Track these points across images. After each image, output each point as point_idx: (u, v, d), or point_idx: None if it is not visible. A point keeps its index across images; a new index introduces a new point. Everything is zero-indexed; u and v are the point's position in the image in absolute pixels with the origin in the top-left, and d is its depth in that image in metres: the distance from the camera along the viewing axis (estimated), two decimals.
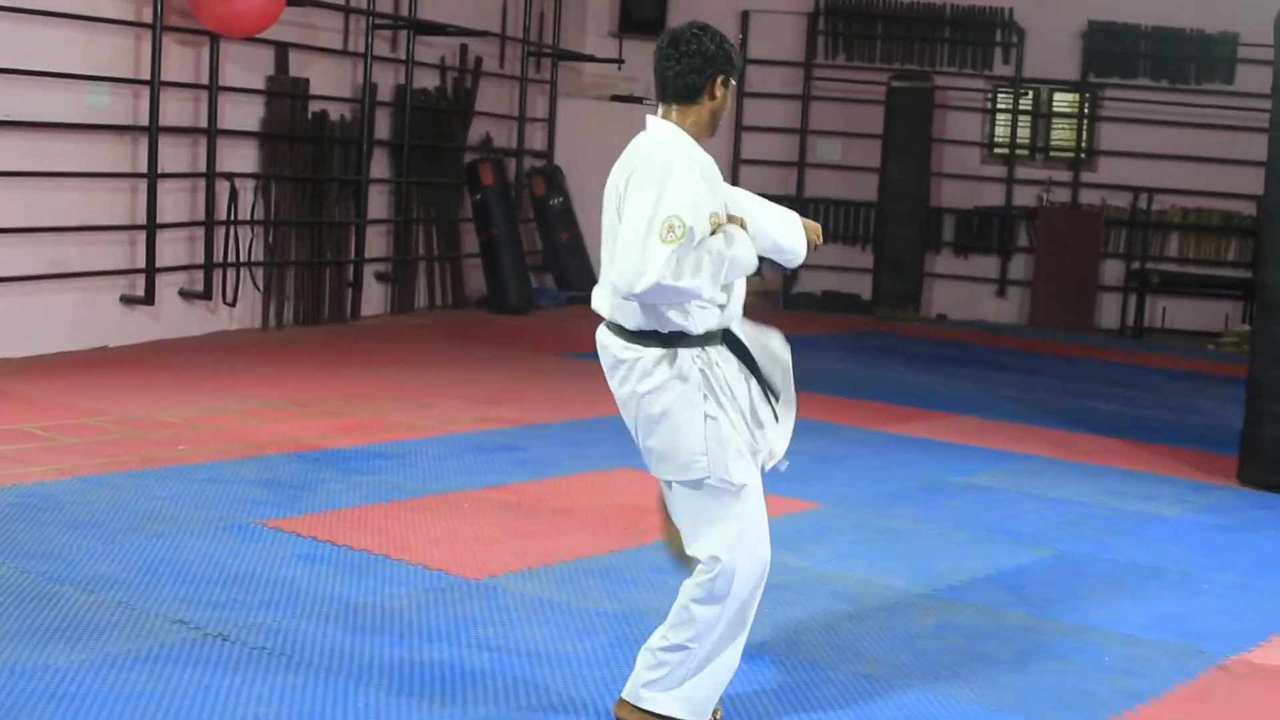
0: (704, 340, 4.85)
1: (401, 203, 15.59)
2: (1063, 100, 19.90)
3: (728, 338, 4.95)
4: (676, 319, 4.78)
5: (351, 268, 14.90)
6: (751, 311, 5.07)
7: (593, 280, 18.05)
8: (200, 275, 12.95)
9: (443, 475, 8.47)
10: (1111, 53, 19.37)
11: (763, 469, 5.01)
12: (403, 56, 15.48)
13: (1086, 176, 19.57)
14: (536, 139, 18.35)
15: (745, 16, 19.54)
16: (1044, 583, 7.18)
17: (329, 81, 14.58)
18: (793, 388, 5.13)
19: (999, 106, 19.81)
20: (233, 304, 13.30)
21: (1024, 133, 19.82)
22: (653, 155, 4.76)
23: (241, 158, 13.49)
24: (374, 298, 15.48)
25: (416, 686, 5.23)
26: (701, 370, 4.83)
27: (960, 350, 16.37)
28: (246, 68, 13.49)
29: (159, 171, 12.14)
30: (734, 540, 4.80)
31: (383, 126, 15.43)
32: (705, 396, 4.81)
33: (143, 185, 12.18)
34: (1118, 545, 8.01)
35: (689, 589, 4.86)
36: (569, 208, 17.77)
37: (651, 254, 4.55)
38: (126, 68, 12.11)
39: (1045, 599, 6.89)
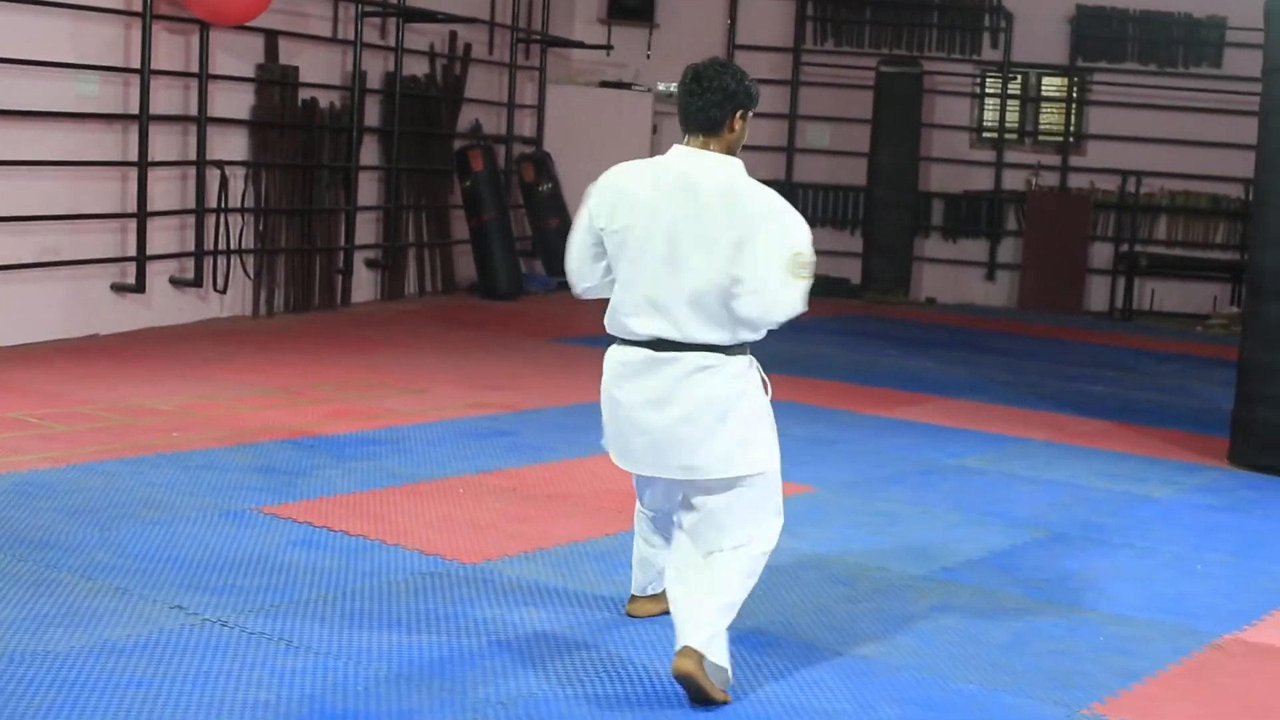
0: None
1: (391, 189, 15.59)
2: (1051, 84, 19.95)
3: None
4: (752, 335, 5.26)
5: (342, 255, 14.91)
6: None
7: None
8: (191, 263, 12.95)
9: (437, 460, 8.49)
10: (1099, 37, 19.41)
11: None
12: (392, 43, 15.48)
13: (1075, 160, 19.62)
14: (526, 125, 18.36)
15: (734, 1, 19.55)
16: (1037, 564, 7.20)
17: (319, 69, 14.57)
18: None
19: (988, 91, 19.86)
20: (223, 291, 13.31)
21: (1013, 117, 19.87)
22: (754, 190, 5.16)
23: (231, 145, 13.48)
24: (364, 284, 15.49)
25: (414, 670, 5.24)
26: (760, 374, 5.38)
27: (950, 334, 16.41)
28: (236, 55, 13.48)
29: (149, 159, 12.15)
30: (778, 522, 5.52)
31: (372, 114, 15.44)
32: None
33: (133, 173, 12.18)
34: (1110, 526, 8.04)
35: (741, 560, 5.32)
36: (558, 193, 17.77)
37: (796, 290, 5.12)
38: (116, 56, 12.10)
39: (1039, 580, 6.92)
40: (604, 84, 18.76)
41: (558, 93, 18.57)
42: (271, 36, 13.83)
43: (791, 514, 7.62)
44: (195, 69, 12.75)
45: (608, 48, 19.05)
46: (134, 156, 12.13)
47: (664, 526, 5.75)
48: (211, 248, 13.09)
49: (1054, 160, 19.67)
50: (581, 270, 5.44)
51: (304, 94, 14.32)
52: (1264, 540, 8.01)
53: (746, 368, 5.28)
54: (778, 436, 5.43)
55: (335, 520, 7.08)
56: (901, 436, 10.22)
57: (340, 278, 14.94)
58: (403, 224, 16.01)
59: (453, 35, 16.72)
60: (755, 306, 5.11)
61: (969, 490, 8.71)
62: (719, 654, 5.14)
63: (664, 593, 5.68)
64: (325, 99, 14.65)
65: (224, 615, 5.68)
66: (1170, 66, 19.25)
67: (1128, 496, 8.83)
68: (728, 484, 5.28)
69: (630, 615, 5.98)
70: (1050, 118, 20.03)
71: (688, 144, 5.28)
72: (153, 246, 12.37)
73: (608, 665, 5.42)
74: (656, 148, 18.00)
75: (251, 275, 13.77)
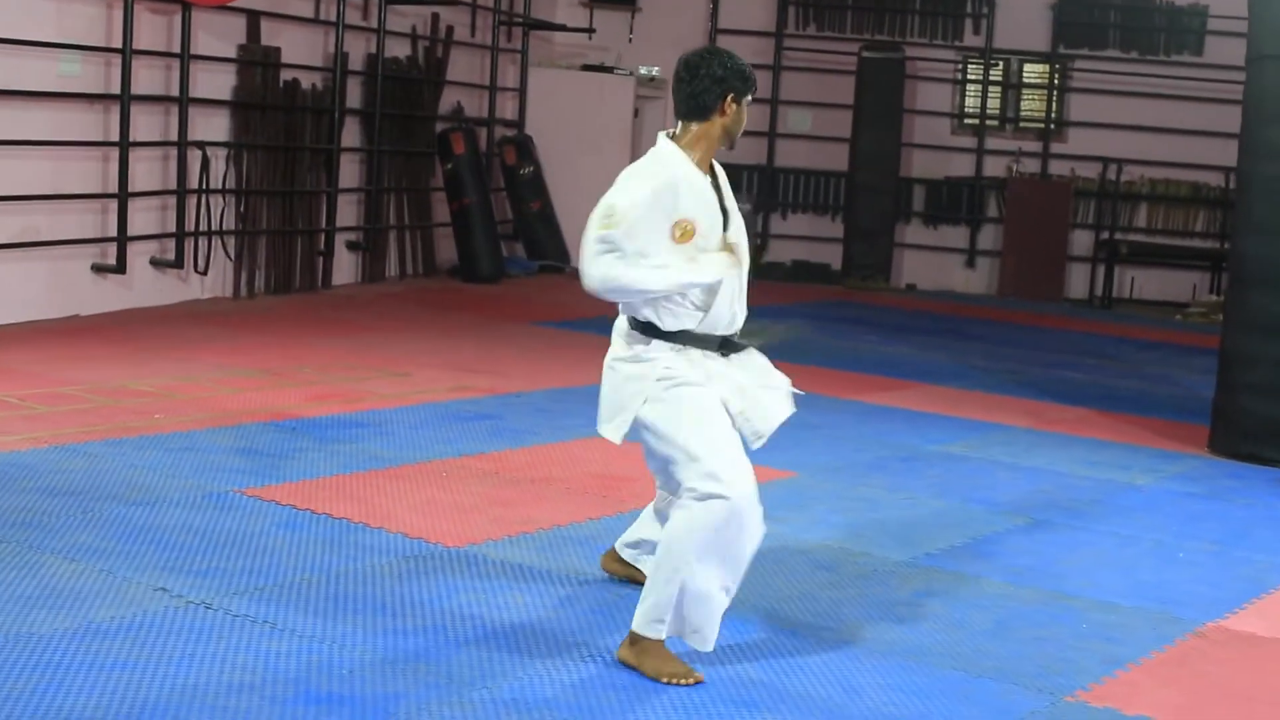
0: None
1: (373, 172, 15.56)
2: (1033, 71, 19.97)
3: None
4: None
5: (323, 236, 14.88)
6: None
7: (564, 249, 18.08)
8: (172, 244, 12.90)
9: (420, 444, 8.48)
10: (1081, 24, 19.44)
11: None
12: (374, 25, 15.44)
13: (1056, 147, 19.66)
14: (507, 108, 18.32)
15: None
16: (1020, 550, 7.22)
17: (300, 50, 14.52)
18: None
19: (969, 77, 19.89)
20: (204, 273, 13.27)
21: (994, 103, 19.91)
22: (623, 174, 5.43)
23: (213, 126, 13.44)
24: (345, 267, 15.45)
25: (399, 654, 5.24)
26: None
27: (931, 320, 16.43)
28: (218, 36, 13.43)
29: (130, 140, 12.10)
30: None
31: (354, 95, 15.39)
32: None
33: (114, 154, 12.13)
34: (1092, 513, 8.06)
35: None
36: (540, 177, 17.76)
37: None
38: (98, 36, 12.05)
39: (1022, 567, 6.93)
40: (586, 67, 18.73)
41: (540, 76, 18.53)
42: (253, 17, 13.78)
43: (774, 499, 7.64)
44: (177, 49, 12.70)
45: (590, 31, 19.01)
46: (115, 137, 12.08)
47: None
48: (193, 229, 13.04)
49: (1035, 147, 19.70)
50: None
51: (286, 75, 14.27)
52: (1245, 528, 8.04)
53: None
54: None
55: (319, 503, 7.07)
56: (883, 422, 10.23)
57: (321, 260, 14.90)
58: (384, 206, 15.97)
59: (435, 17, 16.68)
60: None
61: (951, 476, 8.72)
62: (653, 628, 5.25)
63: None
64: (307, 80, 14.61)
65: (208, 598, 5.67)
66: (1152, 54, 19.29)
67: (1109, 484, 8.85)
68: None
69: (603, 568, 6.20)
70: (1032, 104, 20.06)
71: (681, 130, 5.44)
72: (134, 227, 12.32)
73: (593, 649, 5.42)
74: (638, 131, 18.01)
75: (232, 257, 13.73)
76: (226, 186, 13.55)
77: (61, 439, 7.90)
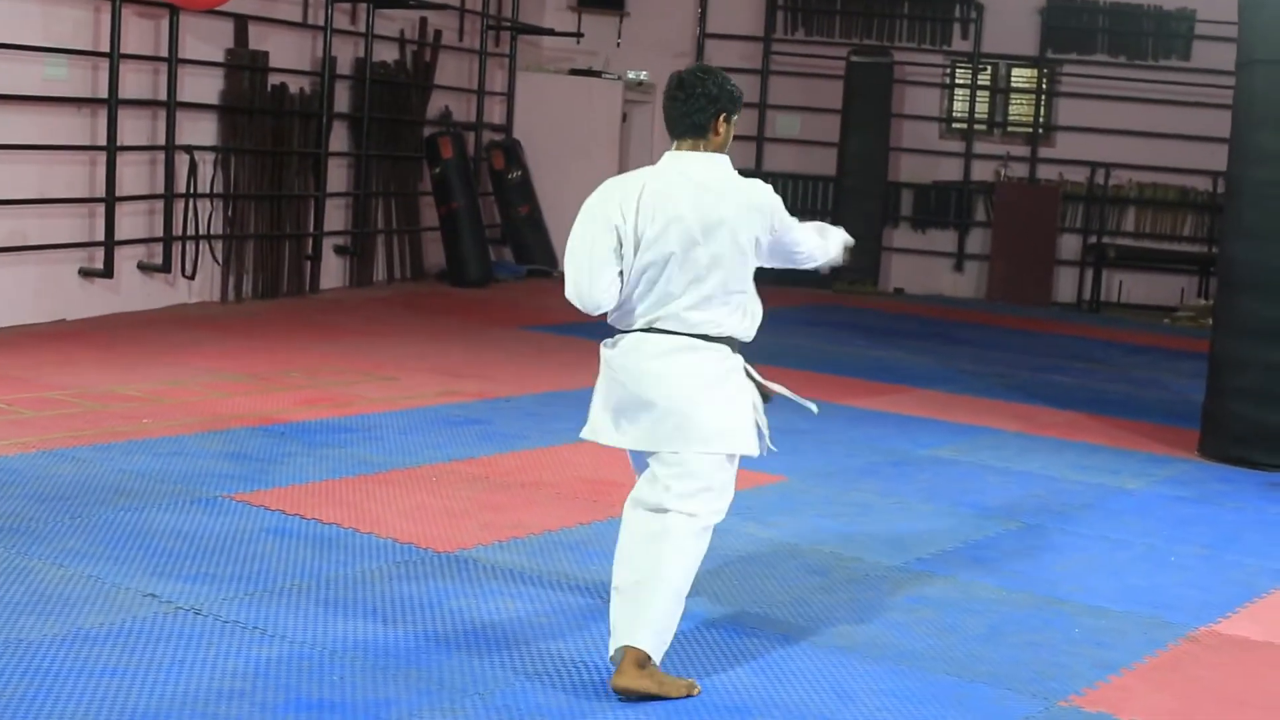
0: None
1: (361, 176, 15.53)
2: (1021, 76, 19.98)
3: None
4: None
5: (311, 241, 14.84)
6: None
7: (552, 254, 18.03)
8: (159, 248, 12.87)
9: (409, 449, 8.45)
10: (1069, 29, 19.45)
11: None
12: (362, 29, 15.41)
13: (1044, 152, 19.66)
14: (495, 113, 18.29)
15: None
16: (1012, 555, 7.21)
17: (288, 54, 14.50)
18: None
19: (958, 82, 19.89)
20: (192, 277, 13.23)
21: (982, 108, 19.91)
22: (756, 185, 5.41)
23: (201, 131, 13.40)
24: (333, 271, 15.42)
25: (391, 660, 5.21)
26: None
27: (919, 324, 16.42)
28: (206, 40, 13.40)
29: (118, 144, 12.07)
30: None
31: (342, 100, 15.37)
32: None
33: (101, 158, 12.10)
34: (1083, 518, 8.05)
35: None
36: (527, 181, 17.75)
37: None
38: (85, 40, 12.01)
39: (1014, 571, 6.92)
40: (574, 72, 18.71)
41: (528, 80, 18.51)
42: (241, 21, 13.75)
43: (765, 504, 7.68)
44: (165, 53, 12.67)
45: (578, 35, 19.01)
46: (103, 141, 12.05)
47: None
48: (180, 233, 13.00)
49: (1023, 151, 19.70)
50: (597, 282, 5.27)
51: (273, 79, 14.24)
52: (1236, 532, 8.03)
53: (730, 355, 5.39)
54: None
55: (308, 508, 7.04)
56: (873, 427, 10.22)
57: (309, 264, 14.87)
58: (372, 210, 15.95)
59: (423, 21, 16.66)
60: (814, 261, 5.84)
61: (942, 481, 8.71)
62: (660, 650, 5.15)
63: None
64: (295, 84, 14.57)
65: (198, 603, 5.64)
66: (1139, 59, 19.29)
67: (1100, 488, 8.84)
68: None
69: None
70: (1020, 109, 20.06)
71: (677, 149, 5.39)
72: (121, 231, 12.29)
73: (585, 654, 5.40)
74: (626, 136, 18.00)
75: (220, 261, 13.70)
76: (214, 191, 13.51)
77: (49, 444, 7.86)
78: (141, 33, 12.56)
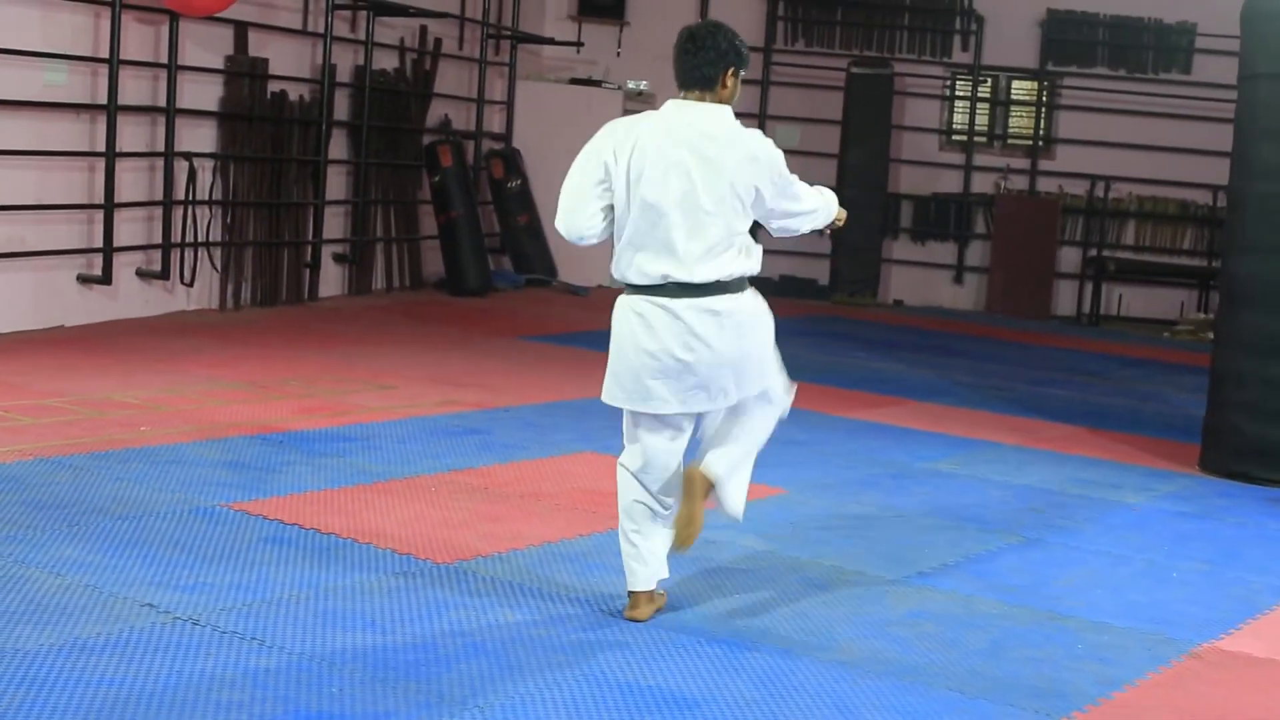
0: None
1: (360, 184, 15.51)
2: (1021, 88, 19.96)
3: None
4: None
5: (310, 249, 14.81)
6: None
7: (550, 263, 18.06)
8: (158, 255, 12.84)
9: (408, 458, 8.42)
10: (1070, 41, 19.43)
11: None
12: (362, 37, 15.39)
13: (1044, 164, 19.64)
14: (495, 121, 18.28)
15: (705, 0, 19.51)
16: (1013, 570, 7.18)
17: (288, 61, 14.47)
18: None
19: (958, 94, 19.87)
20: (190, 284, 13.20)
21: (982, 120, 19.88)
22: (756, 136, 5.78)
23: (200, 137, 13.38)
24: (331, 279, 15.39)
25: (390, 672, 5.18)
26: None
27: (918, 336, 16.40)
28: (205, 47, 13.38)
29: (117, 150, 12.04)
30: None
31: (342, 107, 15.34)
32: None
33: (100, 164, 12.07)
34: (1084, 532, 8.02)
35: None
36: (527, 190, 17.73)
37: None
38: (85, 46, 11.99)
39: (1015, 586, 6.89)
40: (574, 81, 18.68)
41: (527, 89, 18.49)
42: (241, 28, 13.73)
43: (764, 516, 7.65)
44: (164, 60, 12.64)
45: (578, 44, 19.00)
46: (101, 147, 12.02)
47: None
48: (179, 240, 12.97)
49: (1023, 164, 19.68)
50: (578, 210, 5.75)
51: (273, 86, 14.21)
52: (1238, 548, 8.00)
53: (754, 297, 5.94)
54: None
55: (307, 518, 7.01)
56: (872, 439, 10.19)
57: (308, 272, 14.84)
58: (371, 219, 15.92)
59: (423, 30, 16.64)
60: (806, 218, 6.13)
61: (941, 494, 8.68)
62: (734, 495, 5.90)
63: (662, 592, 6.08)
64: (294, 92, 14.55)
65: (196, 613, 5.61)
66: (1140, 72, 19.28)
67: (1101, 502, 8.81)
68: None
69: (633, 619, 5.93)
70: (1020, 121, 20.05)
71: (684, 98, 5.73)
72: (119, 238, 12.26)
73: (584, 668, 5.36)
74: None
75: (219, 268, 13.67)
76: (213, 198, 13.49)
77: (46, 452, 7.83)
78: (141, 39, 12.53)
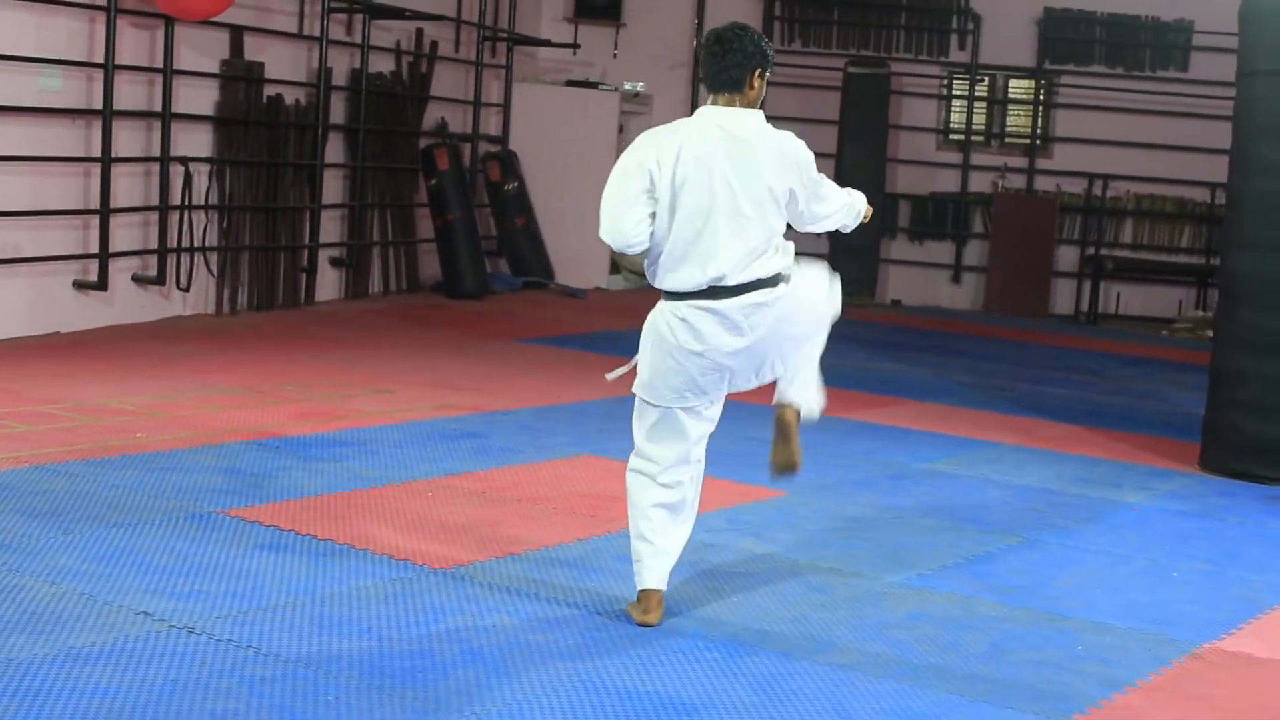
0: None
1: (356, 187, 15.48)
2: (1018, 87, 19.95)
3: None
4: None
5: (306, 253, 14.78)
6: None
7: (547, 265, 18.03)
8: (154, 260, 12.80)
9: (405, 463, 8.38)
10: (1067, 39, 19.42)
11: None
12: (358, 40, 15.36)
13: (1042, 163, 19.64)
14: (492, 124, 18.24)
15: (701, 0, 19.49)
16: (1013, 571, 7.15)
17: (284, 65, 14.44)
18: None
19: (955, 93, 19.87)
20: (186, 289, 13.16)
21: (980, 119, 19.88)
22: (789, 137, 5.91)
23: (196, 142, 13.35)
24: (328, 283, 15.36)
25: (387, 679, 5.15)
26: None
27: (916, 336, 16.38)
28: (201, 51, 13.34)
29: (112, 155, 12.00)
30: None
31: (338, 111, 15.31)
32: None
33: (96, 169, 12.04)
34: (1084, 532, 7.99)
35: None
36: (524, 193, 17.69)
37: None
38: (80, 50, 11.96)
39: (1015, 587, 6.86)
40: (570, 83, 18.65)
41: (524, 91, 18.45)
42: (237, 32, 13.70)
43: (763, 518, 7.63)
44: (160, 64, 12.61)
45: (574, 46, 18.96)
46: (97, 152, 11.99)
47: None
48: (175, 245, 12.94)
49: (1020, 163, 19.67)
50: (625, 216, 5.75)
51: (269, 90, 14.18)
52: (1239, 547, 7.97)
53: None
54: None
55: (303, 524, 6.98)
56: (871, 440, 10.16)
57: (304, 276, 14.81)
58: (367, 222, 15.89)
59: (419, 33, 16.61)
60: (837, 218, 6.30)
61: (941, 495, 8.65)
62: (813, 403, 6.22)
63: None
64: (290, 95, 14.52)
65: (191, 621, 5.57)
66: (1137, 70, 19.27)
67: (1101, 502, 8.78)
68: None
69: (644, 624, 5.90)
70: (1017, 120, 20.03)
71: (713, 103, 5.84)
72: (115, 243, 12.22)
73: (584, 674, 5.33)
74: (622, 146, 17.90)
75: (215, 273, 13.63)
76: (209, 202, 13.45)
77: (42, 458, 7.80)
78: (136, 44, 12.50)
